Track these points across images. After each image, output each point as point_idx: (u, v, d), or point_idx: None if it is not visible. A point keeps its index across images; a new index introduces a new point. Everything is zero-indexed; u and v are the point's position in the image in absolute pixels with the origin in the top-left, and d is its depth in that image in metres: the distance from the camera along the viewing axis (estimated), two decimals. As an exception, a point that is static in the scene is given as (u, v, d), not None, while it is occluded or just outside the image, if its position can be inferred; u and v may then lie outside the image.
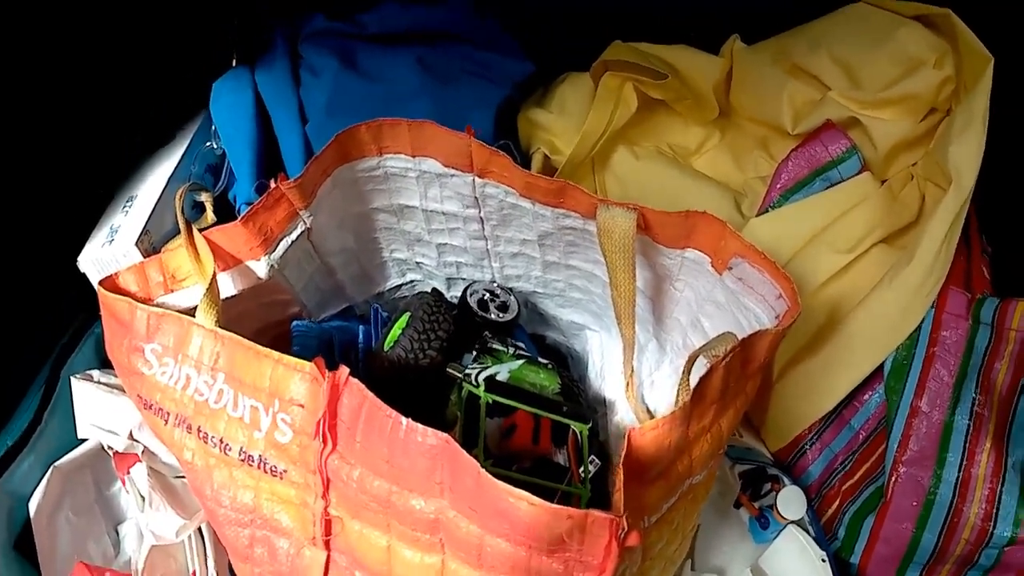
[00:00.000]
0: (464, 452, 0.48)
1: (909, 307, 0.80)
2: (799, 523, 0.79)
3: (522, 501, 0.46)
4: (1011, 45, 0.80)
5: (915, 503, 0.78)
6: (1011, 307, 0.78)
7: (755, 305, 0.66)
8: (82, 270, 0.87)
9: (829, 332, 0.83)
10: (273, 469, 0.59)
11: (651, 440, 0.51)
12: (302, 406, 0.57)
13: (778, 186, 0.88)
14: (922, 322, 0.80)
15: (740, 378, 0.60)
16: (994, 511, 0.75)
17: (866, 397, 0.84)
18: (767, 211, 0.88)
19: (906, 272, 0.79)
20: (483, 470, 0.47)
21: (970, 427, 0.77)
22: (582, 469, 0.69)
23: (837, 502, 0.83)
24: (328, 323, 0.84)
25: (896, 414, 0.80)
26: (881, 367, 0.81)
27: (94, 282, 0.86)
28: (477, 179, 0.74)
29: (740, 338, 0.58)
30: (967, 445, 0.77)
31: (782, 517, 0.79)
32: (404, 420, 0.51)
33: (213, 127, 0.94)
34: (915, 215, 0.85)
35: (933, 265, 0.78)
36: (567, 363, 0.96)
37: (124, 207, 0.90)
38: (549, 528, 0.46)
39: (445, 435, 0.50)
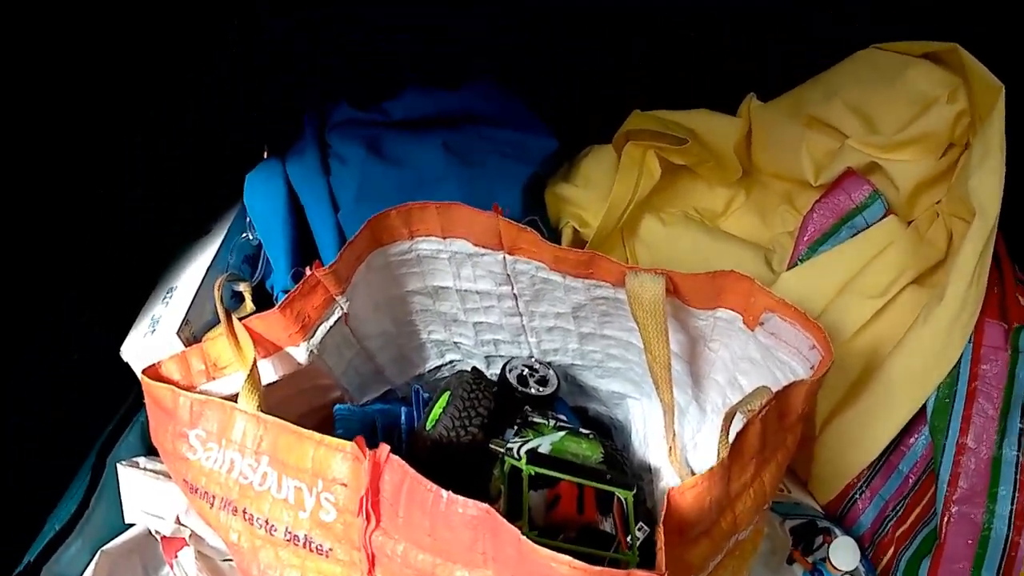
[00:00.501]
0: (505, 521, 0.48)
1: (946, 345, 0.79)
2: (854, 574, 0.78)
3: (563, 566, 0.46)
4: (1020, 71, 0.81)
5: (970, 541, 0.76)
6: None
7: (790, 358, 0.66)
8: (125, 359, 0.89)
9: (868, 379, 0.82)
10: (319, 548, 0.59)
11: (691, 498, 0.51)
12: (345, 485, 0.57)
13: (805, 239, 0.88)
14: (961, 358, 0.79)
15: (779, 431, 0.60)
16: None
17: (912, 440, 0.82)
18: (796, 265, 0.88)
19: (939, 310, 0.78)
20: (524, 537, 0.47)
21: (1019, 458, 0.76)
22: (629, 537, 0.68)
23: (892, 549, 0.82)
24: (370, 406, 0.85)
25: (943, 454, 0.78)
26: (924, 408, 0.80)
27: (137, 371, 0.87)
28: (508, 256, 0.75)
29: (775, 391, 0.58)
30: (1018, 476, 0.76)
31: (836, 569, 0.77)
32: (445, 493, 0.52)
33: (248, 218, 0.96)
34: (943, 253, 0.84)
35: (965, 300, 0.78)
36: (611, 433, 0.95)
37: (164, 298, 0.92)
38: (593, 592, 0.46)
39: (485, 505, 0.50)
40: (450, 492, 0.51)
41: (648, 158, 0.96)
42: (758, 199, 1.01)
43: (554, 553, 0.46)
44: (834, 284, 0.84)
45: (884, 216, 0.87)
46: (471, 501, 0.51)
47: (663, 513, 0.49)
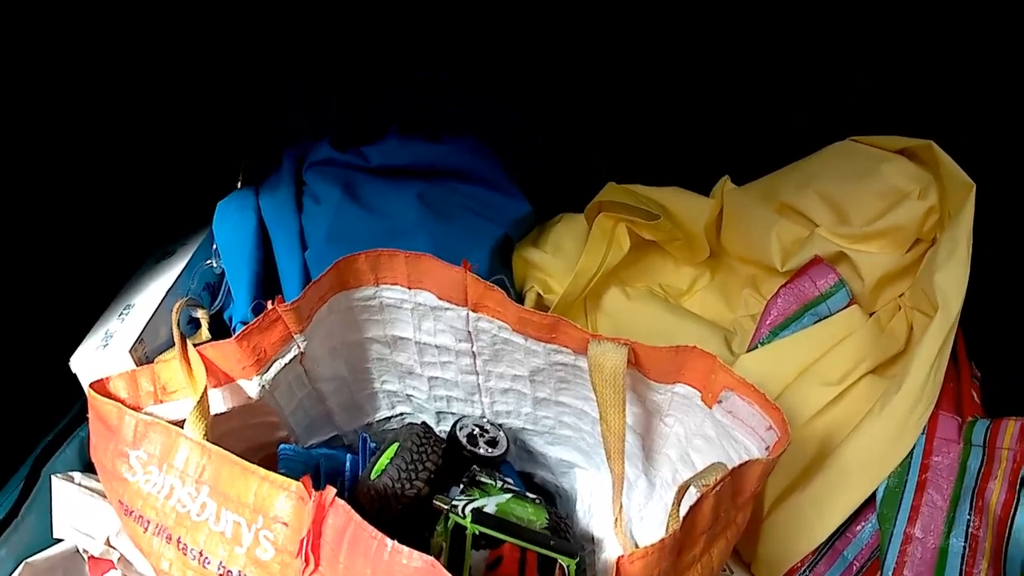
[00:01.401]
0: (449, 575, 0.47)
1: (900, 434, 0.79)
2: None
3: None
4: (993, 170, 0.83)
5: None
6: (1002, 426, 0.77)
7: (745, 438, 0.66)
8: (73, 371, 0.87)
9: (820, 464, 0.82)
10: (253, 587, 0.57)
11: (641, 568, 0.50)
12: (286, 524, 0.56)
13: (767, 322, 0.89)
14: (913, 448, 0.80)
15: (730, 508, 0.60)
16: None
17: (859, 528, 0.82)
18: (756, 347, 0.88)
19: (895, 400, 0.79)
20: None
21: (966, 549, 0.76)
22: (569, 605, 0.67)
23: (835, 635, 0.81)
24: (316, 450, 0.84)
25: (890, 542, 0.78)
26: (873, 496, 0.80)
27: (84, 384, 0.86)
28: (471, 313, 0.75)
29: (730, 468, 0.57)
30: (964, 568, 0.76)
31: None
32: (389, 542, 0.50)
33: (214, 246, 0.95)
34: (903, 345, 0.86)
35: (922, 392, 0.79)
36: (555, 501, 0.94)
37: (121, 314, 0.90)
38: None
39: (430, 558, 0.49)
40: (395, 542, 0.50)
41: (618, 230, 0.97)
42: (723, 281, 1.02)
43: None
44: (793, 369, 0.85)
45: (847, 305, 0.88)
46: (416, 552, 0.49)
47: None
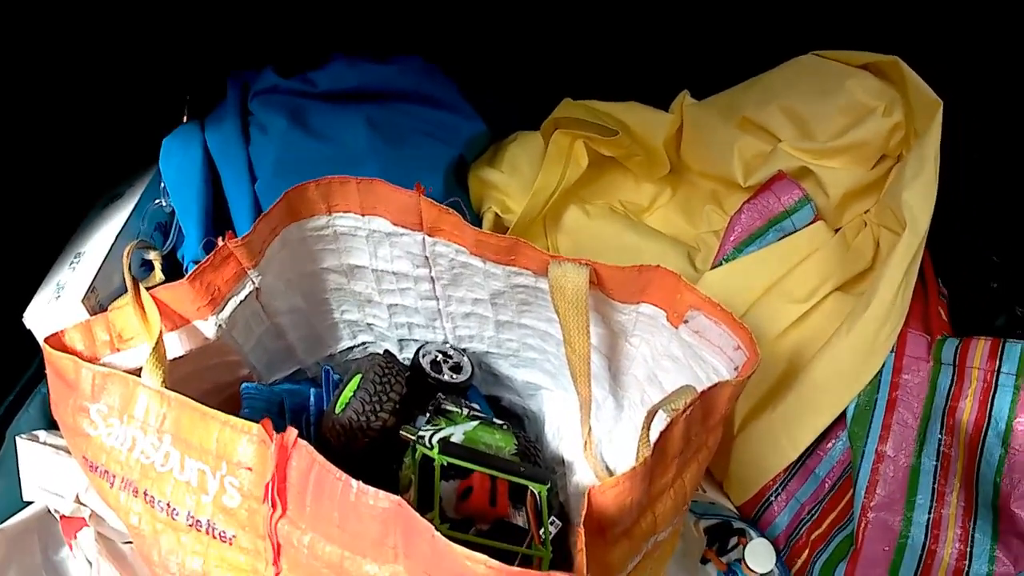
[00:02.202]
0: (418, 515, 0.47)
1: (869, 353, 0.80)
2: None
3: (479, 564, 0.44)
4: (959, 88, 0.82)
5: (886, 548, 0.77)
6: (972, 345, 0.78)
7: (712, 358, 0.65)
8: (28, 326, 0.85)
9: (789, 383, 0.83)
10: (222, 535, 0.56)
11: (612, 498, 0.50)
12: (250, 469, 0.55)
13: (732, 238, 0.88)
14: (883, 367, 0.81)
15: (701, 431, 0.59)
16: (968, 549, 0.75)
17: (829, 445, 0.83)
18: (721, 264, 0.88)
19: (864, 318, 0.79)
20: (438, 533, 0.45)
21: (938, 468, 0.78)
22: (542, 531, 0.67)
23: (806, 552, 0.82)
24: (278, 386, 0.83)
25: (861, 460, 0.79)
26: (843, 414, 0.81)
27: (40, 339, 0.84)
28: (427, 237, 0.74)
29: (700, 391, 0.57)
30: (936, 486, 0.77)
31: (751, 570, 0.77)
32: (355, 483, 0.49)
33: (162, 184, 0.93)
34: (869, 262, 0.86)
35: (891, 310, 0.79)
36: (523, 424, 0.94)
37: (71, 263, 0.88)
38: (510, 592, 0.45)
39: (397, 498, 0.48)
40: (360, 482, 0.49)
41: (576, 147, 0.96)
42: (684, 197, 1.01)
43: (470, 551, 0.44)
44: (759, 286, 0.85)
45: (812, 221, 0.88)
46: (382, 493, 0.48)
47: (584, 513, 0.48)
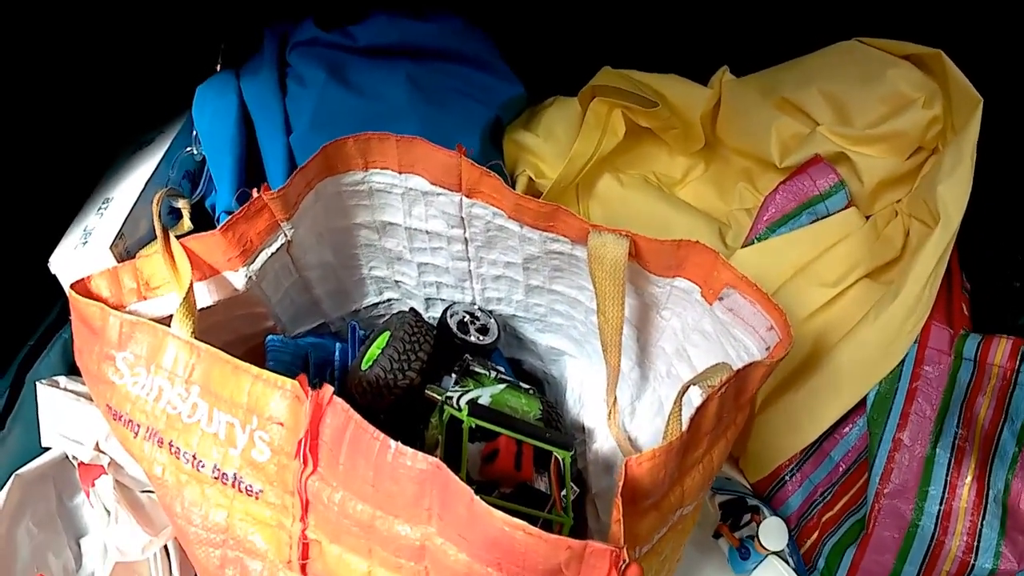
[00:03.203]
0: (456, 478, 0.46)
1: (894, 342, 0.80)
2: (779, 554, 0.79)
3: (518, 530, 0.44)
4: (1000, 87, 0.81)
5: (896, 535, 0.78)
6: (994, 343, 0.79)
7: (745, 336, 0.65)
8: (53, 272, 0.85)
9: (813, 365, 0.83)
10: (248, 489, 0.56)
11: (647, 470, 0.50)
12: (282, 424, 0.54)
13: (765, 218, 0.88)
14: (905, 356, 0.81)
15: (732, 409, 0.59)
16: (975, 543, 0.75)
17: (846, 430, 0.84)
18: (753, 242, 0.88)
19: (892, 307, 0.79)
20: (477, 497, 0.45)
21: (951, 460, 0.78)
22: (564, 496, 0.67)
23: (816, 533, 0.83)
24: (303, 339, 0.82)
25: (879, 447, 0.80)
26: (863, 400, 0.82)
27: (65, 285, 0.83)
28: (465, 199, 0.73)
29: (734, 369, 0.57)
30: (948, 478, 0.78)
31: (763, 548, 0.78)
32: (393, 443, 0.49)
33: (194, 132, 0.92)
34: (899, 251, 0.85)
35: (918, 302, 0.79)
36: (544, 388, 0.95)
37: (99, 209, 0.87)
38: (546, 559, 0.45)
39: (435, 460, 0.48)
40: (399, 443, 0.49)
41: (614, 116, 0.95)
42: (717, 172, 1.01)
43: (508, 517, 0.44)
44: (789, 267, 0.85)
45: (846, 207, 0.88)
46: (420, 454, 0.48)
47: (620, 483, 0.48)
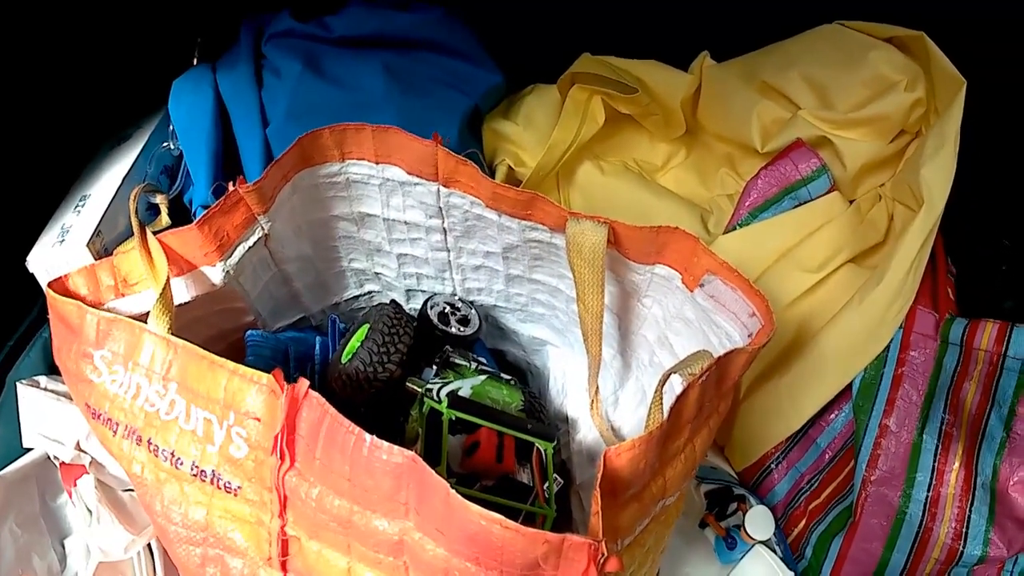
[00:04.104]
0: (432, 472, 0.46)
1: (878, 327, 0.80)
2: (766, 543, 0.78)
3: (495, 524, 0.44)
4: (983, 68, 0.81)
5: (884, 522, 0.78)
6: (980, 327, 0.78)
7: (726, 323, 0.65)
8: (31, 270, 0.84)
9: (797, 351, 0.82)
10: (227, 485, 0.56)
11: (627, 461, 0.49)
12: (258, 420, 0.54)
13: (747, 203, 0.88)
14: (891, 342, 0.80)
15: (714, 397, 0.59)
16: (964, 530, 0.75)
17: (832, 417, 0.83)
18: (735, 228, 0.87)
19: (876, 292, 0.79)
20: (453, 491, 0.45)
21: (939, 446, 0.78)
22: (547, 488, 0.67)
23: (803, 521, 0.83)
24: (283, 333, 0.82)
25: (865, 433, 0.80)
26: (849, 386, 0.81)
27: (43, 283, 0.83)
28: (442, 188, 0.73)
29: (716, 356, 0.56)
30: (936, 464, 0.77)
31: (750, 537, 0.77)
32: (368, 437, 0.49)
33: (171, 127, 0.91)
34: (883, 235, 0.85)
35: (903, 286, 0.79)
36: (527, 379, 0.94)
37: (76, 206, 0.87)
38: (524, 553, 0.44)
39: (411, 453, 0.47)
40: (374, 437, 0.49)
41: (593, 103, 0.95)
42: (698, 158, 1.00)
43: (485, 511, 0.44)
44: (772, 252, 0.84)
45: (828, 191, 0.87)
46: (396, 448, 0.48)
47: (599, 475, 0.48)
